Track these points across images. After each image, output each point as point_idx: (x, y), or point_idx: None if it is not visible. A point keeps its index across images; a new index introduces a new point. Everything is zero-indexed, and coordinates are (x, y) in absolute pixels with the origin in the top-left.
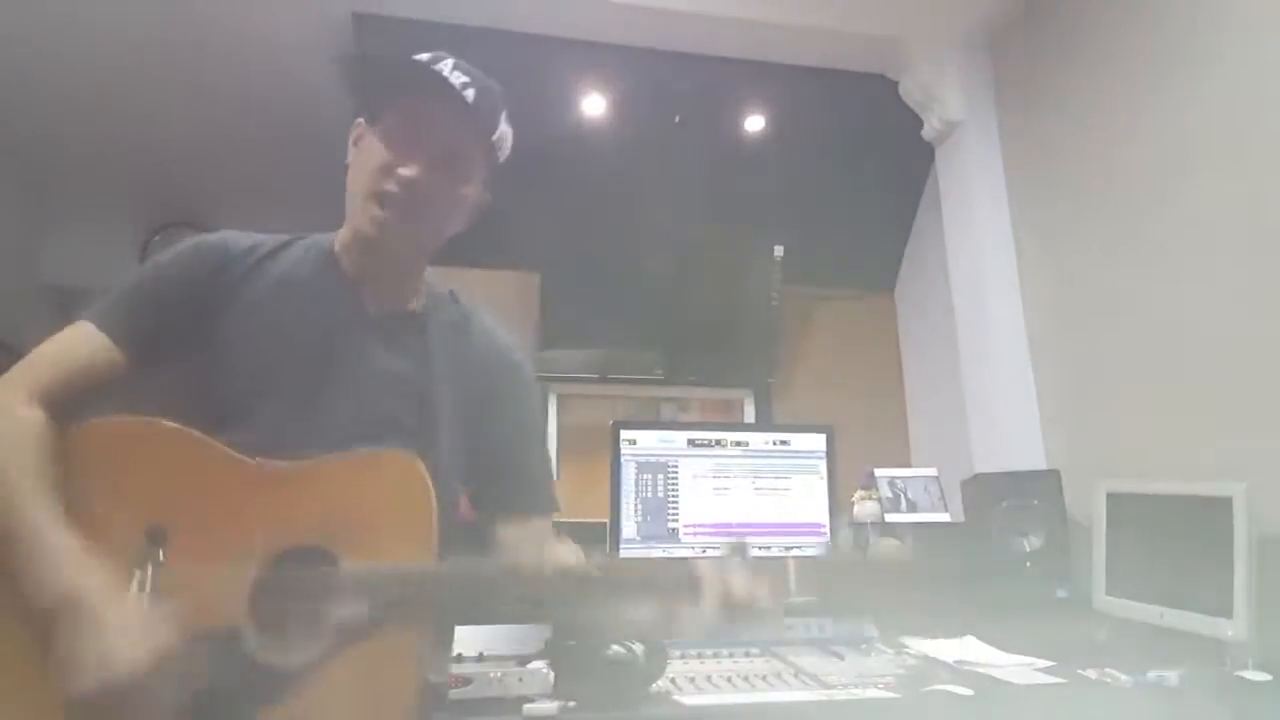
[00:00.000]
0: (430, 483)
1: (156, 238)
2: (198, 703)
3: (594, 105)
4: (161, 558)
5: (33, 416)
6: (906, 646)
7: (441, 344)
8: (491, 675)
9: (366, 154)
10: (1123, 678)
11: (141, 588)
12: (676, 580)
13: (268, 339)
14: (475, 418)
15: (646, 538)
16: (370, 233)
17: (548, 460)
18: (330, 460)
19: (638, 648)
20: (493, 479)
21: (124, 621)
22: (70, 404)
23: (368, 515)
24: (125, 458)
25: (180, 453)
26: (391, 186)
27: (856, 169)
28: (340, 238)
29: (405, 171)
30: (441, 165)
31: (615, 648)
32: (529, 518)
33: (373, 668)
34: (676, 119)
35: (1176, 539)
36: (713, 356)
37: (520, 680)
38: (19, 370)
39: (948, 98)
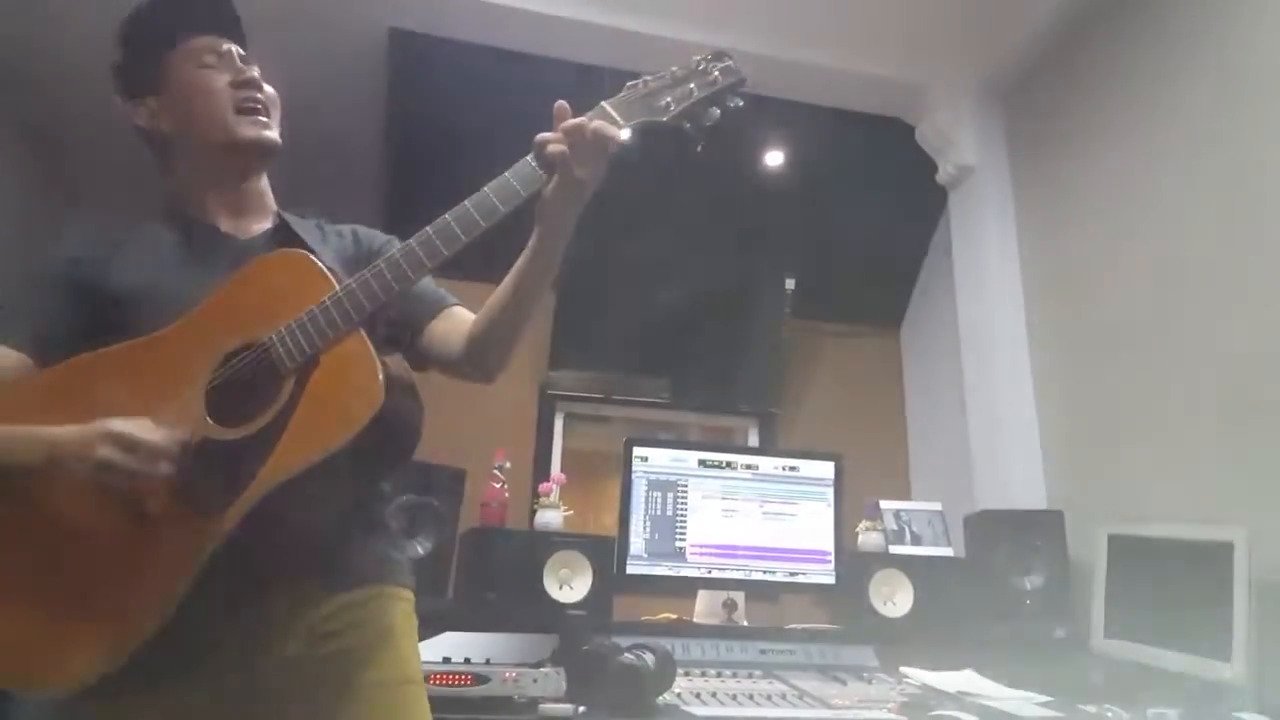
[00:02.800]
0: (300, 251)
1: None
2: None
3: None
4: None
5: None
6: (907, 676)
7: (310, 239)
8: (506, 675)
9: (200, 95)
10: (1123, 715)
11: None
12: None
13: (159, 284)
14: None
15: (654, 555)
16: (257, 137)
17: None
18: (221, 287)
19: (648, 657)
20: (402, 314)
21: (78, 429)
22: None
23: (266, 298)
24: (59, 388)
25: (100, 361)
26: (248, 99)
27: (870, 208)
28: (185, 201)
29: (248, 75)
30: (246, 62)
31: (627, 656)
32: (446, 309)
33: (334, 379)
34: (698, 149)
35: (1177, 582)
36: (719, 384)
37: (535, 681)
38: None
39: (963, 143)
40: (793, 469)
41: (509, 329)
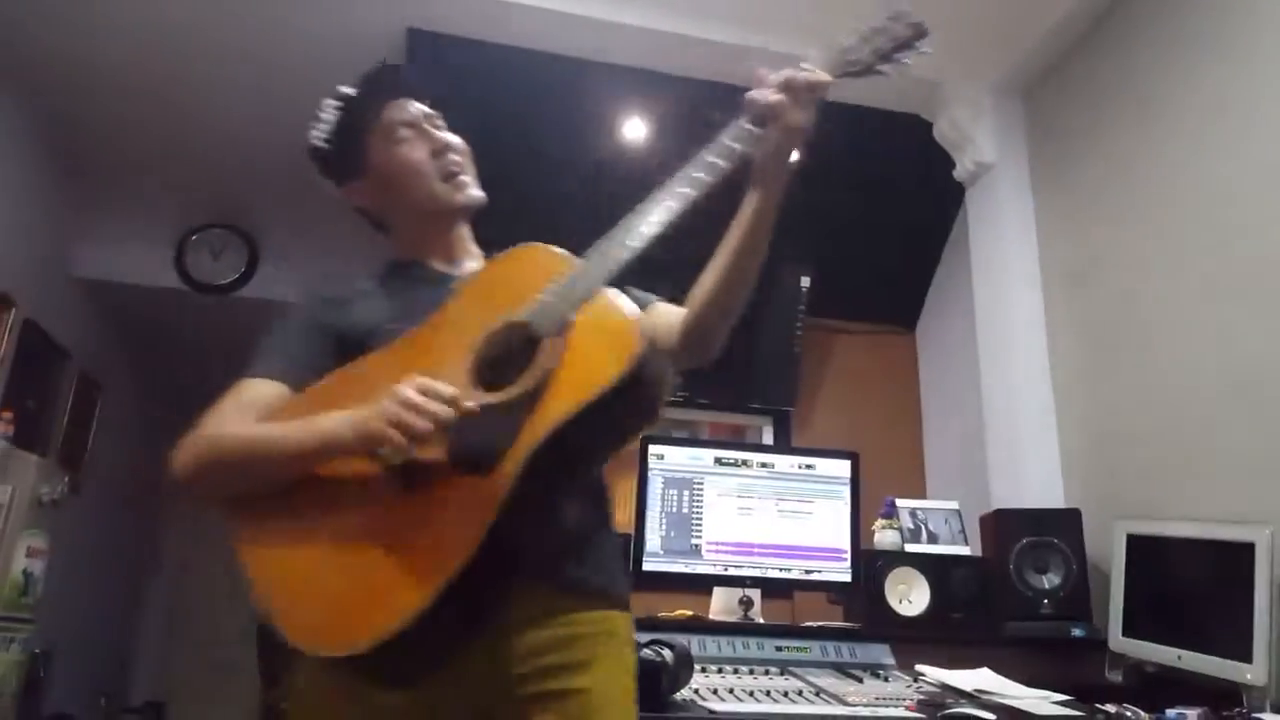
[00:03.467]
0: (538, 244)
1: (193, 237)
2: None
3: (634, 129)
4: None
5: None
6: (923, 674)
7: None
8: None
9: (404, 170)
10: (1142, 714)
11: None
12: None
13: (397, 314)
14: None
15: (669, 552)
16: (463, 197)
17: None
18: (469, 282)
19: (666, 653)
20: None
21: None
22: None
23: (517, 284)
24: (322, 399)
25: (364, 364)
26: (449, 156)
27: (887, 205)
28: (404, 253)
29: (447, 140)
30: (432, 126)
31: (645, 652)
32: (651, 305)
33: (592, 329)
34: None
35: (1196, 582)
36: (734, 382)
37: None
38: (209, 416)
39: (981, 140)
40: (809, 467)
41: (735, 302)
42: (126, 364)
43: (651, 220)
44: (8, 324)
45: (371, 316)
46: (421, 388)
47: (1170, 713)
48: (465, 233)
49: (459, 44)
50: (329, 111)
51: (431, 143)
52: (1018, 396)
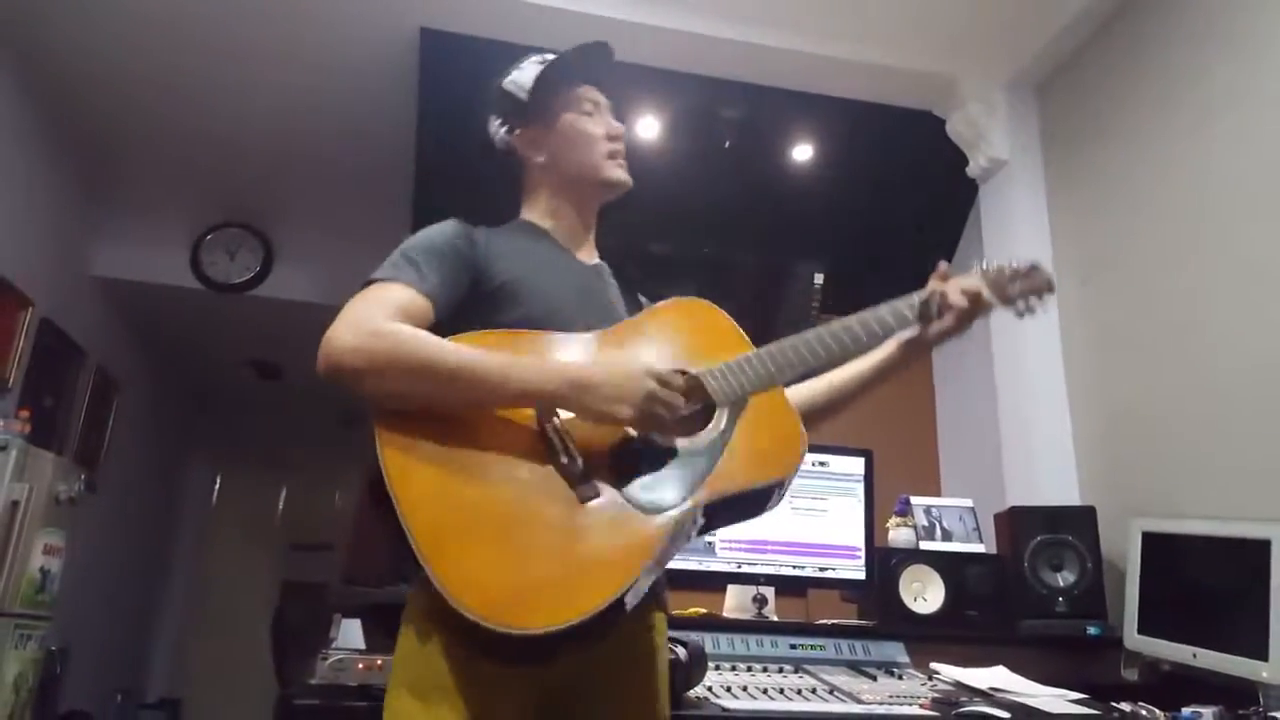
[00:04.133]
0: (712, 304)
1: (208, 237)
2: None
3: (648, 128)
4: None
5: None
6: (938, 672)
7: (626, 279)
8: None
9: (582, 139)
10: (1158, 713)
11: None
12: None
13: (535, 280)
14: None
15: (683, 550)
16: (622, 179)
17: None
18: (634, 317)
19: (680, 651)
20: None
21: (614, 369)
22: None
23: (688, 335)
24: (502, 350)
25: (519, 340)
26: (616, 144)
27: (900, 202)
28: (539, 217)
29: (618, 127)
30: (615, 114)
31: None
32: None
33: (766, 422)
34: (726, 144)
35: (1212, 580)
36: None
37: None
38: (349, 312)
39: (994, 137)
40: (822, 464)
41: (837, 412)
42: (143, 362)
43: (840, 343)
44: (25, 323)
45: (513, 275)
46: (666, 380)
47: (1186, 711)
48: (594, 223)
49: (472, 44)
50: (530, 64)
51: (608, 126)
52: (1032, 393)
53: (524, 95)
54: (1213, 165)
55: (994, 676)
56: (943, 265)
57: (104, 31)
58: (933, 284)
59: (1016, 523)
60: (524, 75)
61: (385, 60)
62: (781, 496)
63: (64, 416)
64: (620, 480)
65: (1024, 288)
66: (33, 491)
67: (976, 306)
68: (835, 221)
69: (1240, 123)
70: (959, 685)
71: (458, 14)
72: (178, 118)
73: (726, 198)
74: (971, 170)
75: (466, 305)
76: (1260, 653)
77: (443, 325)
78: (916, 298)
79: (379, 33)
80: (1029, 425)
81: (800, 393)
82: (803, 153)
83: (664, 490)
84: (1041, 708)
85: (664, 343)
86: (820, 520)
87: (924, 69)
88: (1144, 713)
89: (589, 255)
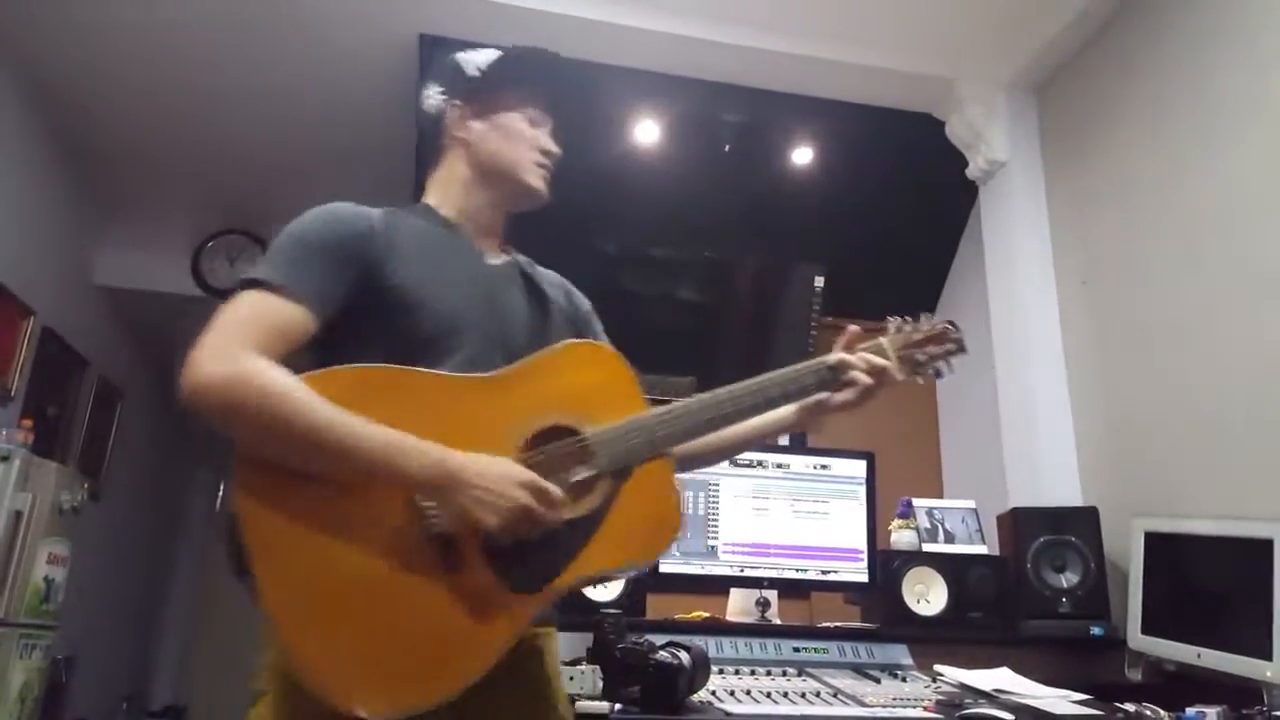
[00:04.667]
0: (615, 352)
1: (209, 244)
2: (508, 565)
3: (647, 132)
4: None
5: (278, 367)
6: (941, 674)
7: (536, 282)
8: None
9: (517, 140)
10: (1162, 713)
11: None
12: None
13: (436, 284)
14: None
15: (686, 554)
16: (543, 192)
17: None
18: (533, 359)
19: (683, 655)
20: None
21: (490, 466)
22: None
23: (582, 389)
24: (361, 397)
25: (406, 382)
26: (546, 160)
27: (900, 204)
28: (449, 207)
29: (554, 149)
30: (557, 139)
31: (662, 654)
32: None
33: (644, 496)
34: (726, 148)
35: (1215, 579)
36: None
37: (571, 679)
38: (221, 333)
39: (994, 138)
40: (824, 467)
41: (712, 462)
42: (145, 371)
43: (737, 406)
44: (27, 332)
45: (407, 280)
46: (541, 494)
47: (1190, 711)
48: (502, 226)
49: (471, 49)
50: (492, 50)
51: (546, 142)
52: (1033, 394)
53: (475, 72)
54: (1213, 164)
55: (998, 678)
56: (851, 329)
57: (104, 41)
58: (839, 352)
59: (1019, 524)
60: (480, 56)
61: (384, 67)
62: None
63: (67, 425)
64: (489, 555)
65: (935, 352)
66: (36, 501)
67: (880, 383)
68: (835, 224)
69: (1240, 122)
70: (963, 687)
71: (457, 20)
72: (177, 126)
73: (727, 201)
74: (971, 172)
75: (357, 302)
76: (1265, 652)
77: (329, 328)
78: (829, 361)
79: (378, 39)
80: (1031, 426)
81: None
82: (802, 156)
83: (533, 568)
84: (1045, 709)
85: (552, 394)
86: (823, 523)
87: (923, 71)
88: (1148, 713)
89: (497, 254)
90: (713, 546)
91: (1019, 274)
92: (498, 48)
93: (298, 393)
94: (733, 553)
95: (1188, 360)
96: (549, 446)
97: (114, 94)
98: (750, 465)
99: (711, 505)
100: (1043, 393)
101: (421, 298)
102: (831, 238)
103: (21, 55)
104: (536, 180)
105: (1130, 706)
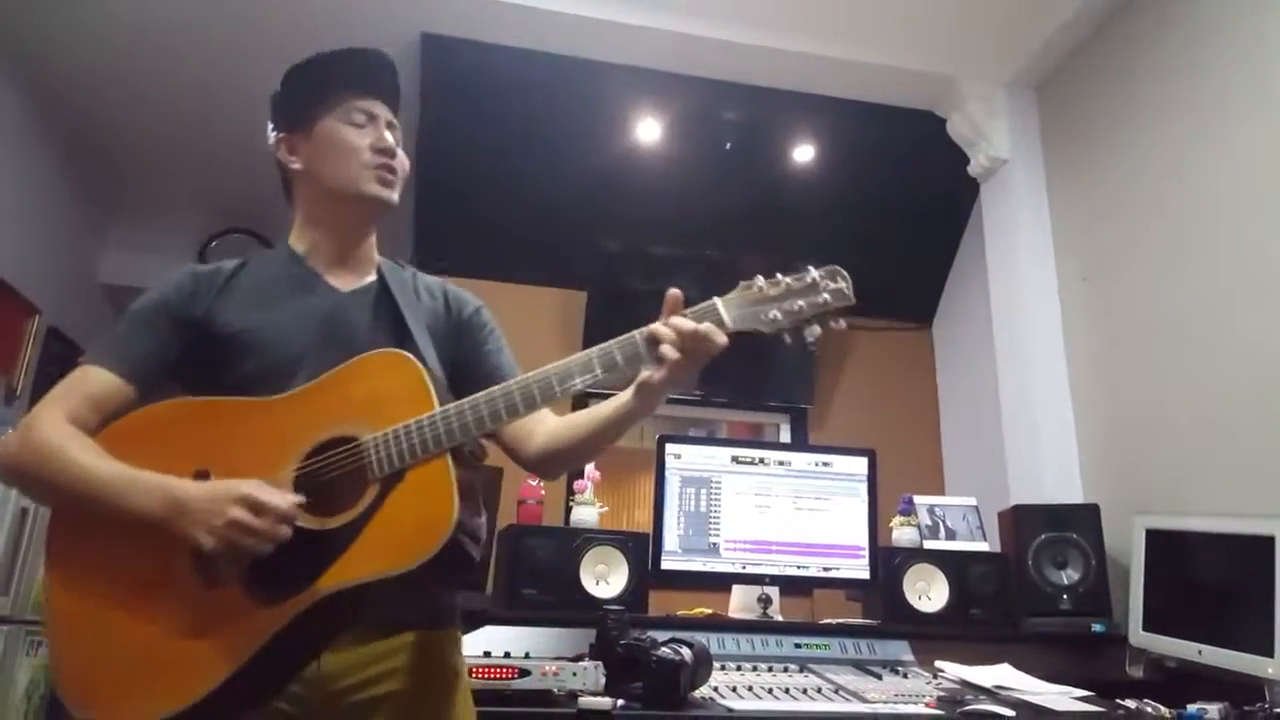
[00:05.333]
0: (411, 358)
1: (214, 243)
2: (262, 578)
3: (648, 130)
4: None
5: (70, 427)
6: (943, 670)
7: (395, 300)
8: (546, 669)
9: (342, 149)
10: (1163, 710)
11: None
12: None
13: (267, 324)
14: (454, 353)
15: (688, 551)
16: (383, 196)
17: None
18: (331, 373)
19: (685, 652)
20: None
21: (211, 488)
22: (92, 430)
23: (371, 397)
24: (160, 431)
25: (206, 411)
26: (382, 161)
27: (901, 202)
28: (302, 241)
29: (387, 143)
30: (390, 133)
31: (664, 650)
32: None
33: (413, 498)
34: (727, 146)
35: (1216, 576)
36: (750, 380)
37: (574, 675)
38: (43, 407)
39: (995, 136)
40: (826, 464)
41: (583, 461)
42: None
43: (524, 402)
44: (32, 331)
45: (238, 324)
46: (256, 507)
47: (1191, 708)
48: (367, 243)
49: (473, 49)
50: (303, 63)
51: (377, 138)
52: (1035, 391)
53: (279, 96)
54: (1214, 160)
55: (999, 674)
56: (670, 293)
57: (108, 41)
58: (659, 322)
59: (1020, 521)
60: (295, 76)
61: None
62: (459, 564)
63: None
64: (246, 569)
65: (800, 308)
66: None
67: (693, 352)
68: (836, 221)
69: (1241, 117)
70: (964, 683)
71: (458, 19)
72: (181, 125)
73: (728, 199)
74: (972, 169)
75: (197, 359)
76: (1266, 649)
77: (167, 388)
78: (640, 333)
79: (380, 38)
80: (1032, 423)
81: (546, 429)
82: (804, 153)
83: (285, 580)
84: (1046, 705)
85: (346, 405)
86: (824, 520)
87: (924, 69)
88: (1149, 710)
89: (353, 278)
90: (715, 543)
91: (1020, 271)
92: (313, 56)
93: (63, 449)
94: (735, 550)
95: (1189, 357)
96: (324, 456)
97: (118, 93)
98: (752, 463)
99: (713, 502)
100: (1044, 390)
101: (254, 339)
102: (833, 235)
103: (26, 55)
104: (374, 187)
105: (1131, 703)
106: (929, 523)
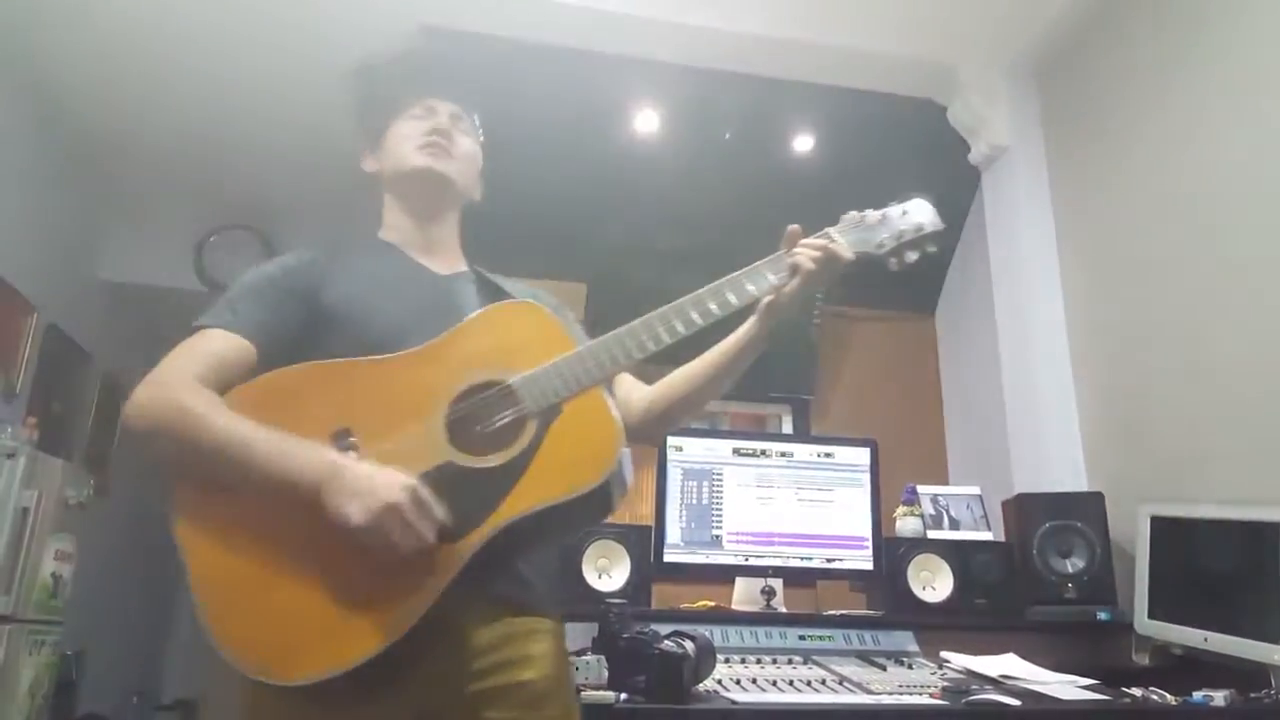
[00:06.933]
0: (541, 305)
1: (212, 239)
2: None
3: (647, 121)
4: (355, 452)
5: (204, 387)
6: (948, 661)
7: (497, 285)
8: None
9: (400, 139)
10: (1169, 697)
11: None
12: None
13: (375, 297)
14: None
15: (690, 543)
16: (427, 166)
17: None
18: (457, 327)
19: (688, 645)
20: None
21: (376, 470)
22: (218, 391)
23: (506, 343)
24: (290, 394)
25: (334, 371)
26: (431, 138)
27: (902, 190)
28: (389, 232)
29: (440, 125)
30: (451, 122)
31: (667, 644)
32: (618, 376)
33: (576, 427)
34: (726, 136)
35: (1221, 563)
36: (752, 371)
37: (576, 669)
38: (170, 366)
39: (996, 123)
40: (828, 455)
41: (701, 406)
42: (150, 365)
43: (671, 328)
44: (30, 329)
45: (342, 292)
46: (422, 506)
47: (1197, 695)
48: (445, 231)
49: (473, 40)
50: (366, 77)
51: (434, 122)
52: (1038, 379)
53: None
54: (1217, 146)
55: (1004, 664)
56: (791, 228)
57: (105, 36)
58: (784, 247)
59: (1024, 509)
60: (360, 98)
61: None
62: (609, 501)
63: (72, 421)
64: None
65: (898, 233)
66: (42, 497)
67: (827, 264)
68: (837, 211)
69: (1244, 102)
70: (969, 673)
71: (456, 11)
72: (178, 120)
73: (728, 189)
74: (973, 157)
75: (303, 336)
76: (1272, 635)
77: (277, 360)
78: (765, 263)
79: (379, 30)
80: (1035, 411)
81: (644, 391)
82: (803, 143)
83: (460, 517)
84: (1052, 694)
85: (478, 352)
86: (827, 511)
87: (923, 56)
88: (1155, 698)
89: (447, 264)
90: (717, 536)
91: (1022, 259)
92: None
93: (209, 411)
94: (737, 542)
95: (1193, 343)
96: (474, 398)
97: (115, 89)
98: (754, 455)
99: (716, 494)
100: (1047, 378)
101: (354, 314)
102: (833, 224)
103: (23, 52)
104: (419, 158)
105: (1137, 691)
106: (933, 512)
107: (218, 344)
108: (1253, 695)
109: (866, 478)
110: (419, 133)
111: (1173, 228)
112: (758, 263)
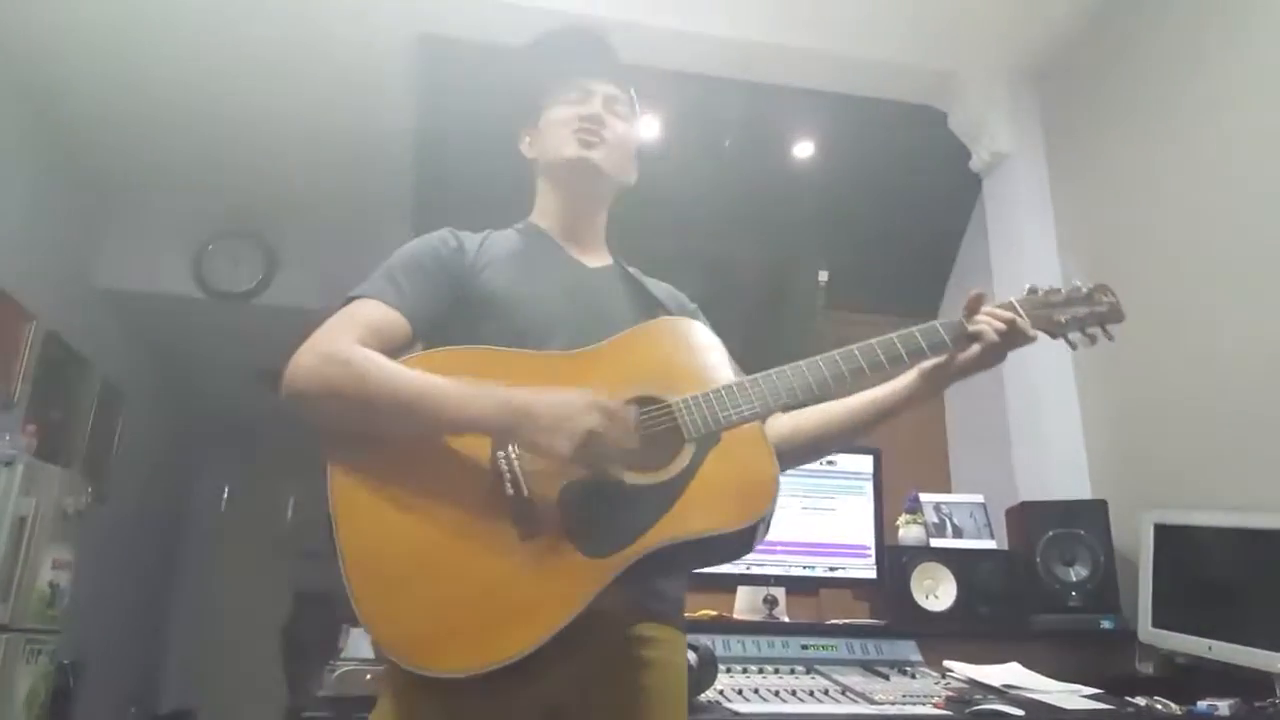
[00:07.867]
0: (702, 325)
1: (211, 246)
2: (583, 530)
3: (647, 128)
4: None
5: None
6: (951, 670)
7: (642, 283)
8: None
9: (554, 125)
10: (1173, 706)
11: (509, 467)
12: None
13: (525, 285)
14: None
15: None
16: (577, 156)
17: None
18: (619, 336)
19: (690, 655)
20: None
21: (559, 401)
22: None
23: (667, 361)
24: (456, 372)
25: (491, 359)
26: (585, 124)
27: (903, 197)
28: (542, 218)
29: (593, 111)
30: (605, 106)
31: None
32: None
33: (735, 461)
34: (726, 143)
35: (1226, 571)
36: None
37: None
38: (319, 332)
39: (996, 130)
40: (830, 463)
41: (827, 451)
42: (148, 372)
43: (835, 371)
44: (29, 336)
45: (498, 281)
46: (611, 414)
47: (1202, 704)
48: (597, 222)
49: (472, 49)
50: (527, 55)
51: (584, 110)
52: (1041, 387)
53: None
54: (1220, 150)
55: (1007, 673)
56: (974, 293)
57: (104, 44)
58: (965, 313)
59: (1027, 518)
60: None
61: (385, 66)
62: (753, 540)
63: (70, 429)
64: (566, 518)
65: (1080, 314)
66: (40, 506)
67: (1011, 339)
68: (838, 218)
69: (1244, 109)
70: (972, 683)
71: (457, 19)
72: (178, 128)
73: (728, 196)
74: (974, 164)
75: (452, 315)
76: (1277, 644)
77: (425, 338)
78: (943, 324)
79: (378, 39)
80: (1038, 419)
81: (783, 423)
82: (804, 150)
83: (610, 532)
84: (1056, 704)
85: (639, 366)
86: (829, 519)
87: (924, 63)
88: (1159, 706)
89: (595, 257)
90: None
91: (1024, 266)
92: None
93: (384, 363)
94: None
95: (1196, 350)
96: (643, 416)
97: (114, 96)
98: None
99: None
100: (1050, 385)
101: (504, 301)
102: (835, 232)
103: (22, 59)
104: (571, 148)
105: (1141, 700)
106: (936, 521)
107: (374, 314)
108: (1257, 704)
109: (869, 485)
110: (573, 119)
111: (1176, 234)
112: (933, 322)
